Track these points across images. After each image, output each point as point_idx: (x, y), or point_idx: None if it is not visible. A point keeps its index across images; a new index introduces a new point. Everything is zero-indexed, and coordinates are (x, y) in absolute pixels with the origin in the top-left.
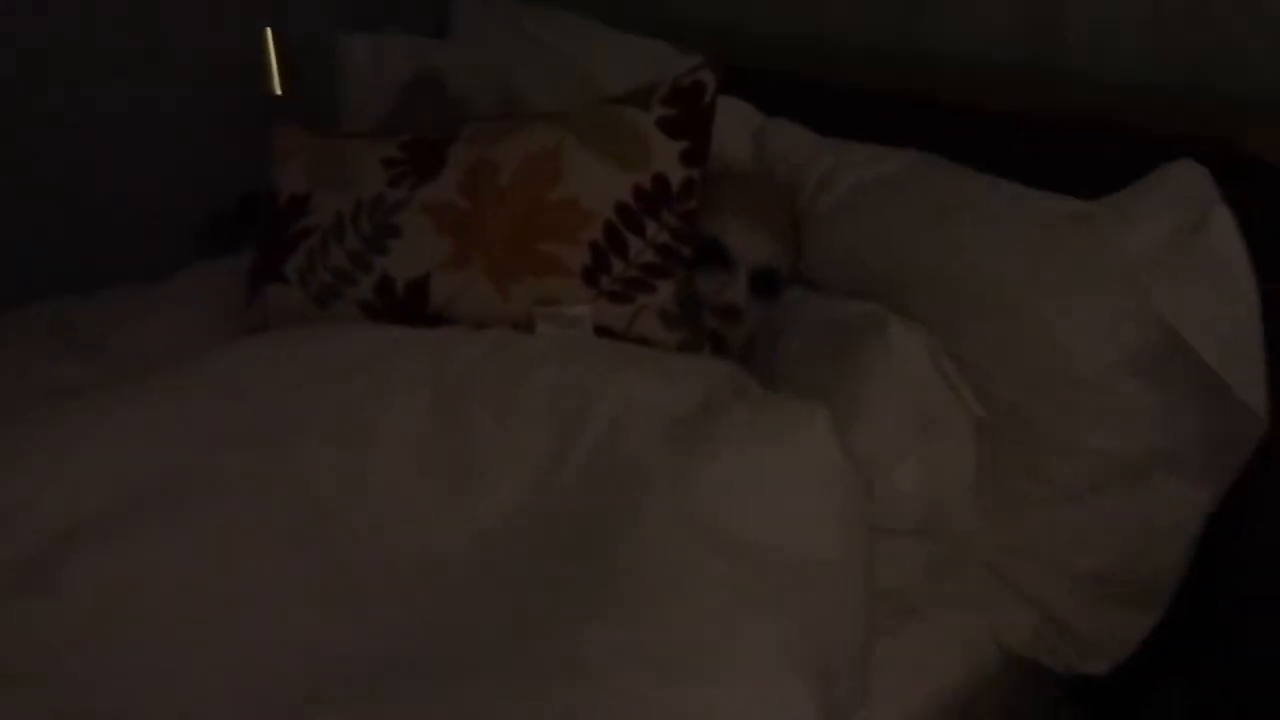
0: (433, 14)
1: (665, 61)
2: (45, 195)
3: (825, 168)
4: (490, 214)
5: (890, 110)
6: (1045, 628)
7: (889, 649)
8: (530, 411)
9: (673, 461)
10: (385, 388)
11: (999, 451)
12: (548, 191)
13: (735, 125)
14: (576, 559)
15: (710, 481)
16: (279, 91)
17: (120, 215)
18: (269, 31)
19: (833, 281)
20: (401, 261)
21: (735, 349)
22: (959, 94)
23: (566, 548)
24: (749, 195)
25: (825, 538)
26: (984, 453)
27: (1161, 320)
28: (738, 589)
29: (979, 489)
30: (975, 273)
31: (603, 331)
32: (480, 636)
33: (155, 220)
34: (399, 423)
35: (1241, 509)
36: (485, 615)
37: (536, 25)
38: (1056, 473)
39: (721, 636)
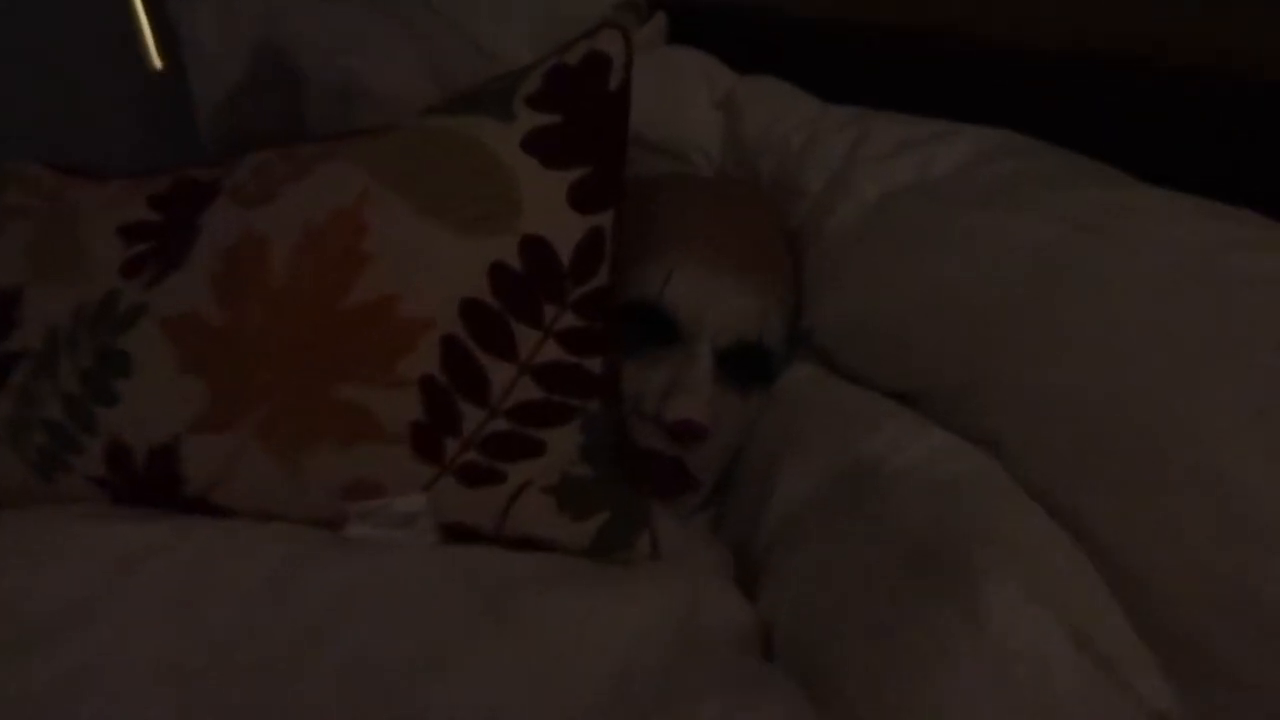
0: None
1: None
2: None
3: (837, 157)
4: (258, 336)
5: (934, 54)
6: None
7: None
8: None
9: None
10: (100, 670)
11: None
12: (346, 290)
13: (690, 93)
14: None
15: None
16: (158, 65)
17: None
18: None
19: (853, 358)
20: (136, 418)
21: (707, 481)
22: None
23: None
24: (707, 219)
25: None
26: None
27: None
28: None
29: None
30: (1144, 399)
31: (461, 533)
32: None
33: None
34: None
35: None
36: None
37: None
38: None
39: None
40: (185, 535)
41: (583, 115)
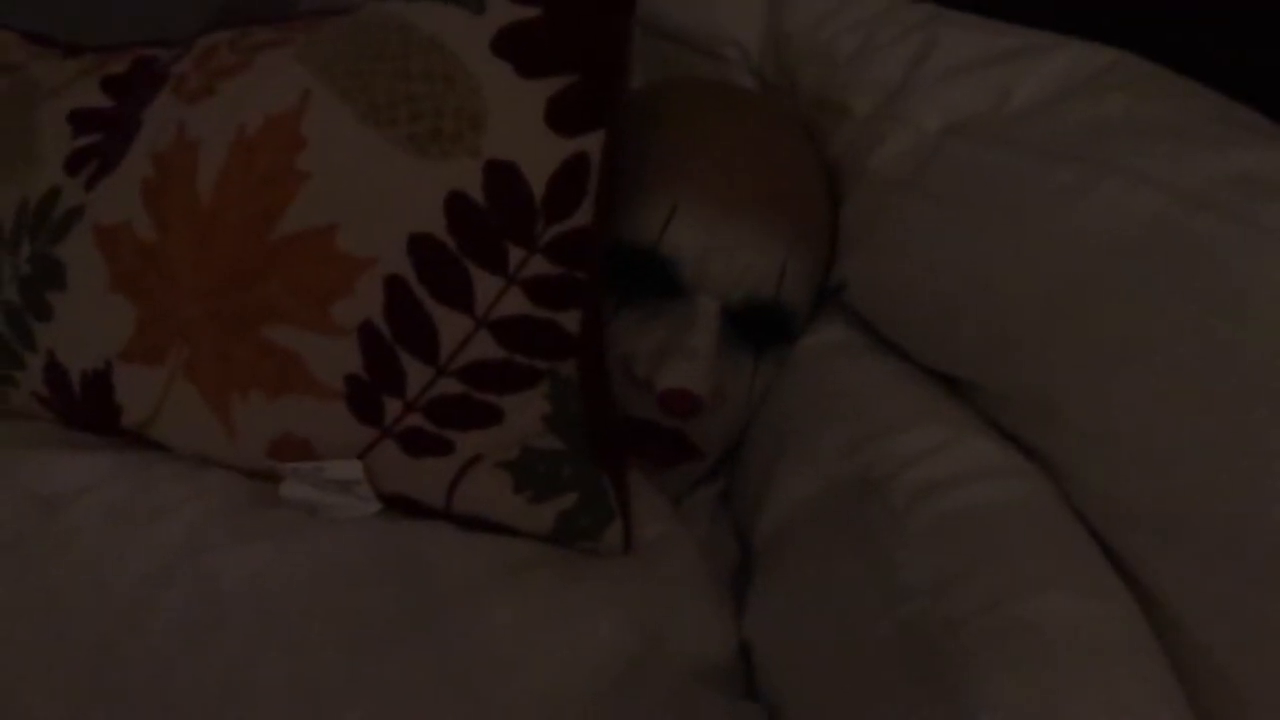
0: None
1: None
2: None
3: (896, 70)
4: (184, 259)
5: None
6: None
7: None
8: None
9: None
10: (4, 628)
11: None
12: (278, 215)
13: None
14: None
15: None
16: None
17: None
18: None
19: (893, 329)
20: (69, 336)
21: (712, 452)
22: None
23: None
24: (724, 147)
25: None
26: None
27: None
28: None
29: None
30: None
31: (403, 504)
32: None
33: None
34: None
35: None
36: None
37: None
38: None
39: None
40: (115, 480)
41: (571, 8)
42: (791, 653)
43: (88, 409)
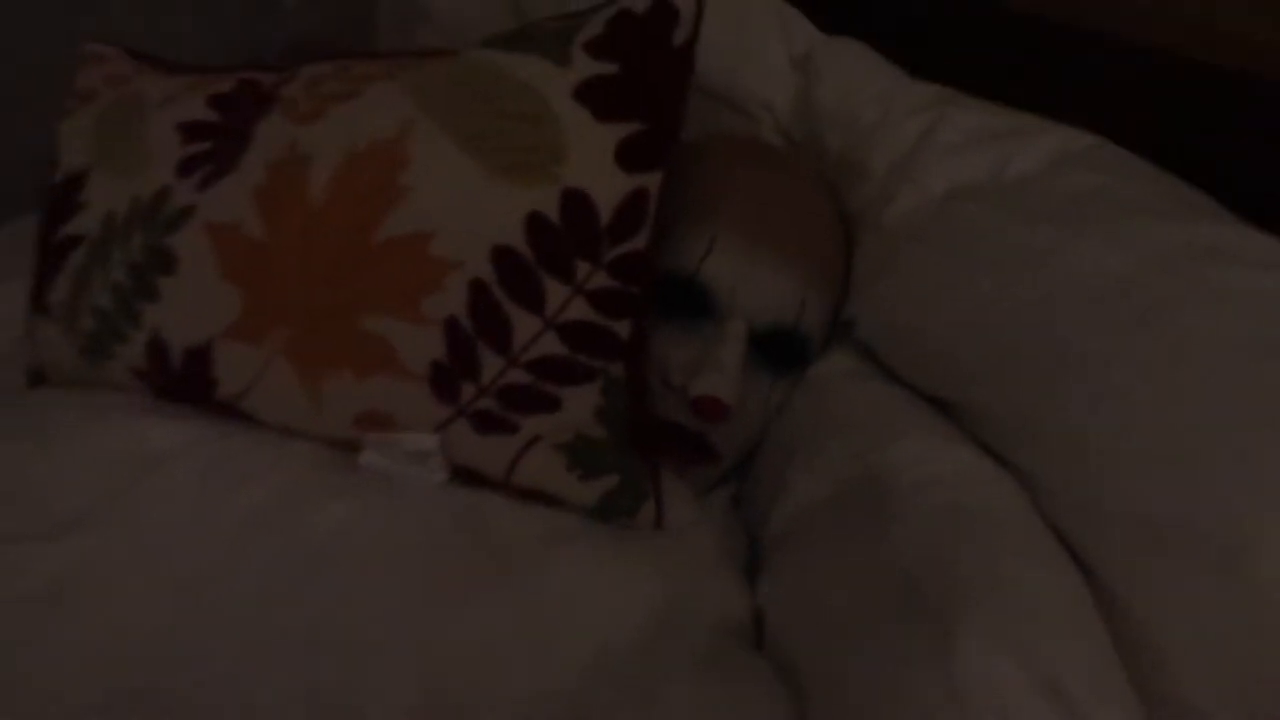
0: None
1: None
2: None
3: (908, 140)
4: (293, 255)
5: (1046, 41)
6: None
7: None
8: (285, 670)
9: None
10: (96, 566)
11: None
12: (379, 222)
13: (768, 47)
14: None
15: None
16: None
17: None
18: None
19: (896, 359)
20: (175, 316)
21: (729, 456)
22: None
23: None
24: (758, 194)
25: None
26: None
27: None
28: None
29: None
30: (1180, 466)
31: (468, 476)
32: None
33: None
34: (84, 647)
35: None
36: None
37: None
38: None
39: None
40: (208, 443)
41: (642, 68)
42: (802, 613)
43: (186, 381)
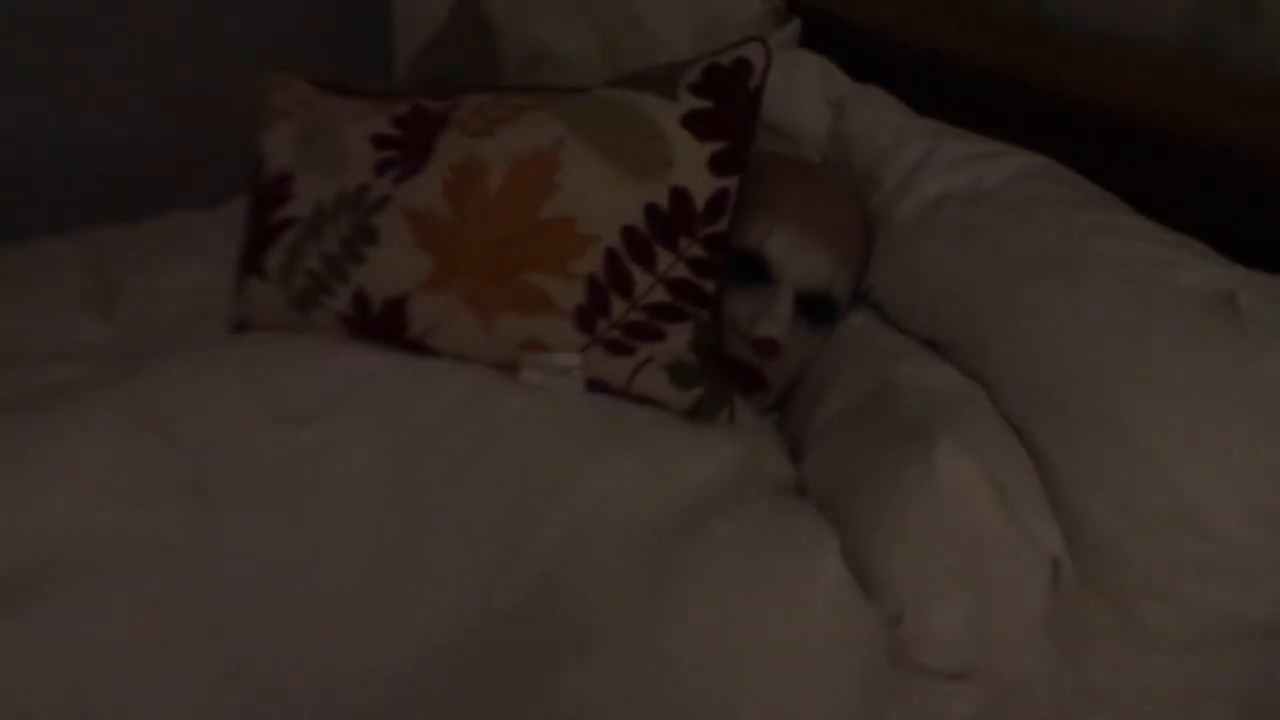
0: None
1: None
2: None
3: (913, 160)
4: (474, 231)
5: (1013, 95)
6: None
7: None
8: (486, 499)
9: (640, 600)
10: (340, 442)
11: (1083, 584)
12: (539, 208)
13: (810, 91)
14: (516, 706)
15: (678, 633)
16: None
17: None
18: None
19: (902, 314)
20: (378, 276)
21: (776, 388)
22: (1100, 83)
23: (505, 690)
24: (804, 195)
25: (806, 711)
26: (1063, 583)
27: None
28: None
29: (1049, 626)
30: (1073, 365)
31: (598, 386)
32: None
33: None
34: (346, 490)
35: None
36: None
37: None
38: (1154, 620)
39: None
40: (403, 365)
41: (728, 105)
42: (831, 465)
43: (383, 324)
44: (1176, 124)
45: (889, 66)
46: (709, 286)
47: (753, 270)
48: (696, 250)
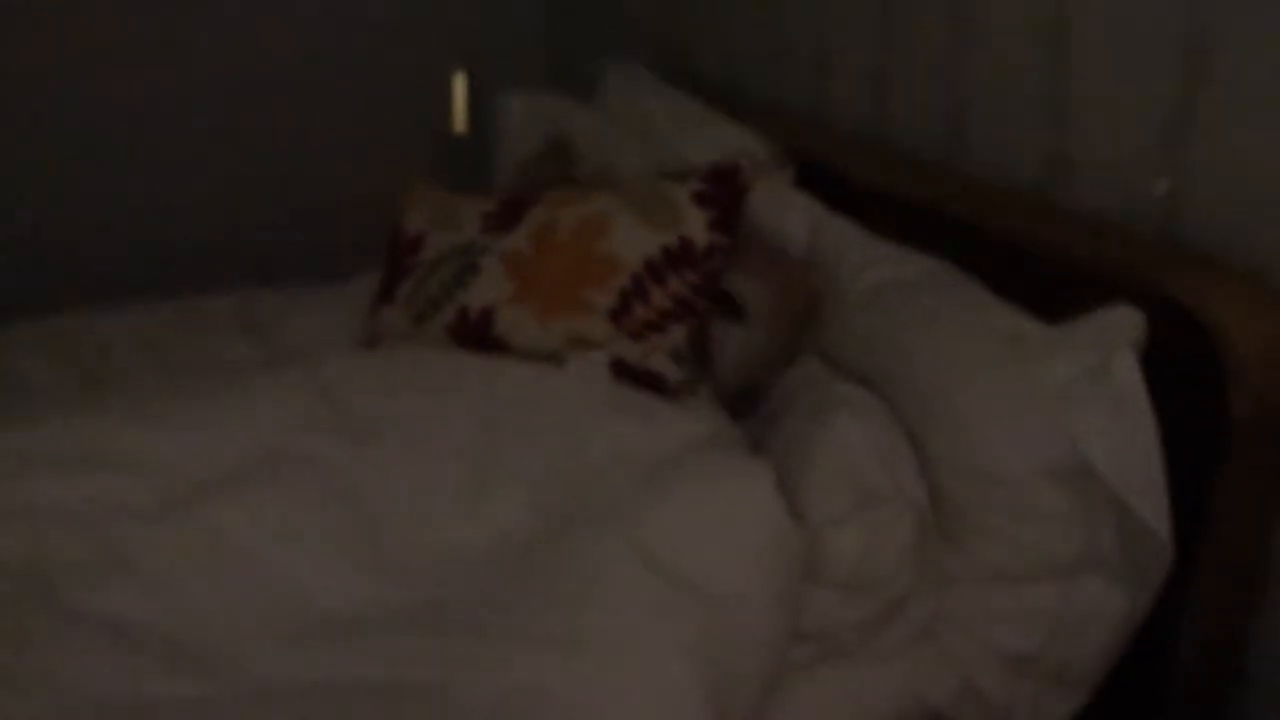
0: (588, 80)
1: (747, 150)
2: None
3: (860, 261)
4: (548, 263)
5: (931, 221)
6: (966, 693)
7: (807, 687)
8: (544, 443)
9: (637, 499)
10: (445, 409)
11: (939, 528)
12: (594, 246)
13: (798, 214)
14: (555, 567)
15: (660, 518)
16: (461, 129)
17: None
18: (460, 77)
19: (846, 363)
20: (476, 295)
21: (728, 380)
22: (984, 214)
23: (548, 561)
24: (755, 252)
25: (744, 576)
26: (926, 527)
27: (1075, 442)
28: (654, 603)
29: (919, 561)
30: (935, 375)
31: (620, 364)
32: (468, 611)
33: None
34: (448, 439)
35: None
36: (478, 598)
37: (654, 101)
38: (983, 557)
39: (625, 632)
40: (486, 361)
41: (722, 188)
42: (776, 440)
43: (475, 329)
44: (1025, 239)
45: (850, 197)
46: (700, 304)
47: (730, 306)
48: (694, 278)
